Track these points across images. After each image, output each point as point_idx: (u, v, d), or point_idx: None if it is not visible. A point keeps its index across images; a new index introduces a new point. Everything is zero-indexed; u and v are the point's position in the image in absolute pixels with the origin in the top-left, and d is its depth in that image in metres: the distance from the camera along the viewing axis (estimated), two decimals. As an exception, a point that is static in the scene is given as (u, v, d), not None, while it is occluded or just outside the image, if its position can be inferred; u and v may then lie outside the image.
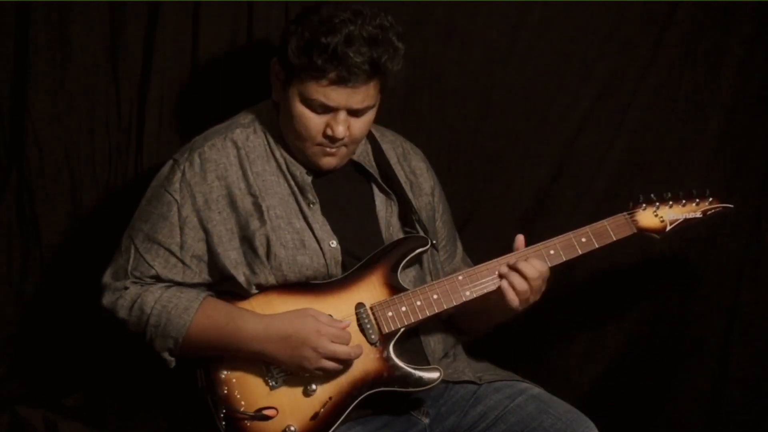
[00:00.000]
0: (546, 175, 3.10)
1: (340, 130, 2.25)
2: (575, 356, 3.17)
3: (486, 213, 3.09)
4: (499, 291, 2.30)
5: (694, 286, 3.11)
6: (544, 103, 3.06)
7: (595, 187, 3.08)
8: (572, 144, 3.08)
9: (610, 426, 2.47)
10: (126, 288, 2.30)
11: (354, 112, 2.26)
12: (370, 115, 2.31)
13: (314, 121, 2.26)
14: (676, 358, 3.13)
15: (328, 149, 2.30)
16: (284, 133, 2.35)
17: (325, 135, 2.27)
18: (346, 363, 2.24)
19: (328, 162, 2.34)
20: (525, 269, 2.29)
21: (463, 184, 3.02)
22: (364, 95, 2.24)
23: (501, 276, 2.31)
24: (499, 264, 2.34)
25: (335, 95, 2.22)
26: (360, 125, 2.30)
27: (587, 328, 3.16)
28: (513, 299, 2.29)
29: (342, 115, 2.25)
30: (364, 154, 2.46)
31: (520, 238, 2.37)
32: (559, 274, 3.01)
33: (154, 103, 2.83)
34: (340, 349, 2.21)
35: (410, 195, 2.49)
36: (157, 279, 2.31)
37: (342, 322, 2.26)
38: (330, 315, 2.28)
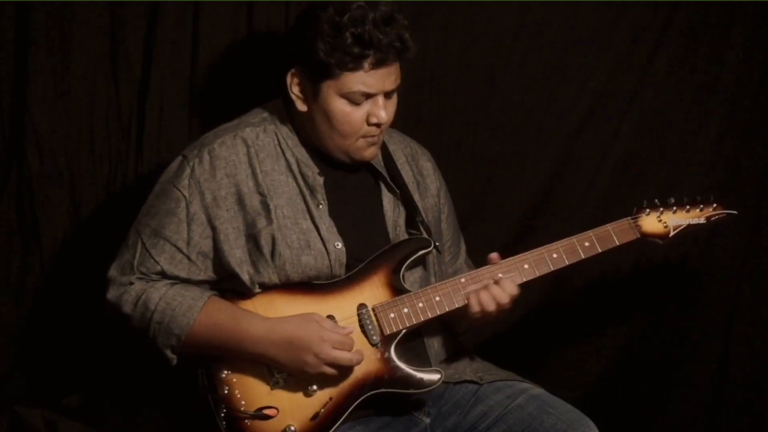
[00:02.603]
0: (546, 175, 3.10)
1: (383, 114, 2.31)
2: (575, 356, 3.17)
3: (486, 213, 3.09)
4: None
5: (694, 287, 3.11)
6: (544, 103, 3.06)
7: (595, 187, 3.08)
8: (572, 144, 3.08)
9: (610, 426, 2.47)
10: (131, 283, 2.30)
11: (387, 94, 2.32)
12: (396, 96, 2.37)
13: (356, 114, 2.30)
14: (676, 358, 3.13)
15: (371, 139, 2.35)
16: (321, 138, 2.35)
17: (369, 124, 2.32)
18: (347, 369, 2.25)
19: (372, 152, 2.38)
20: (496, 294, 2.31)
21: (463, 184, 3.02)
22: (396, 74, 2.31)
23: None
24: (500, 267, 2.35)
25: (373, 81, 2.26)
26: (393, 106, 2.36)
27: (587, 328, 3.16)
28: (474, 304, 2.31)
29: (380, 99, 2.30)
30: None
31: (493, 257, 2.37)
32: (559, 274, 3.03)
33: (154, 103, 2.83)
34: (342, 356, 2.21)
35: (417, 196, 2.50)
36: (163, 275, 2.31)
37: (345, 328, 2.27)
38: (333, 317, 2.28)
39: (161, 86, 2.83)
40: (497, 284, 2.32)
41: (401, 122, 2.81)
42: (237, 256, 2.30)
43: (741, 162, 3.06)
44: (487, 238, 2.99)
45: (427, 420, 2.39)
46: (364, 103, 2.29)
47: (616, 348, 3.15)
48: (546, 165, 3.10)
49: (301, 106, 2.34)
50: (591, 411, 2.38)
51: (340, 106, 2.29)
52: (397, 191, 2.45)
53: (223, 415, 2.23)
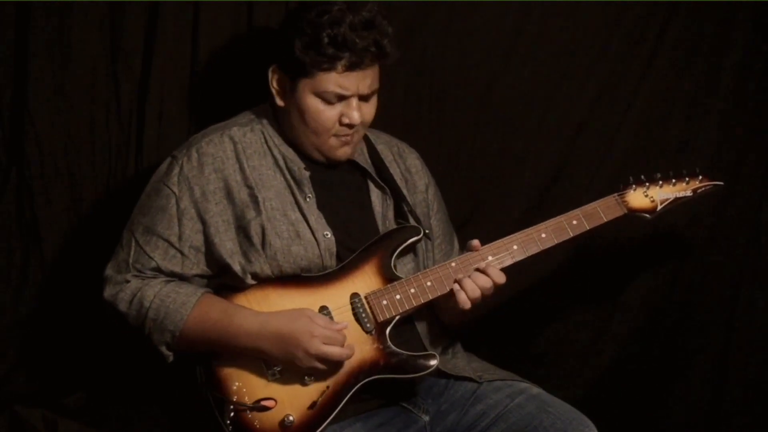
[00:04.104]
0: (546, 175, 3.10)
1: (356, 116, 2.34)
2: (575, 356, 3.16)
3: (486, 213, 3.09)
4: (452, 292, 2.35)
5: (694, 285, 3.10)
6: (544, 103, 3.06)
7: (595, 187, 3.07)
8: (572, 144, 3.08)
9: (610, 426, 2.47)
10: (127, 281, 2.34)
11: (363, 98, 2.36)
12: (375, 99, 2.40)
13: (328, 113, 2.34)
14: (675, 358, 3.13)
15: (344, 138, 2.38)
16: (295, 135, 2.40)
17: (341, 124, 2.35)
18: (339, 362, 2.27)
19: (345, 152, 2.42)
20: (478, 279, 2.33)
21: (463, 184, 3.03)
22: (372, 79, 2.35)
23: (456, 281, 2.34)
24: (490, 249, 2.38)
25: (347, 83, 2.30)
26: (369, 109, 2.39)
27: (587, 328, 3.15)
28: (464, 302, 2.33)
29: (354, 101, 2.34)
30: (359, 153, 2.51)
31: (475, 244, 2.39)
32: (559, 274, 3.03)
33: (154, 103, 2.83)
34: (332, 351, 2.24)
35: (405, 192, 2.54)
36: (158, 271, 2.35)
37: (339, 324, 2.29)
38: (327, 308, 2.31)
39: (161, 86, 2.83)
40: (483, 272, 2.33)
41: (401, 123, 2.82)
42: (228, 247, 2.34)
43: (741, 162, 3.06)
44: (487, 238, 2.99)
45: (426, 418, 2.40)
46: (337, 104, 2.34)
47: (616, 348, 3.14)
48: (546, 165, 3.09)
49: (279, 101, 2.40)
50: (590, 411, 2.38)
51: (313, 103, 2.33)
52: (385, 187, 2.48)
53: (223, 410, 2.24)
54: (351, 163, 2.48)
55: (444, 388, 2.44)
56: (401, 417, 2.38)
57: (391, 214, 2.48)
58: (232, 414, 2.23)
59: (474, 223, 3.04)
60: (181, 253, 2.35)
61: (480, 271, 2.35)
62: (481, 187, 3.09)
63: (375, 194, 2.49)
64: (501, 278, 2.35)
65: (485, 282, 2.33)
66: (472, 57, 3.01)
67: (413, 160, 2.63)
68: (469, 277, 2.33)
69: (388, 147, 2.61)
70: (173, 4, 2.80)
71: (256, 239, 2.33)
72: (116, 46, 2.80)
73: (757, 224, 3.04)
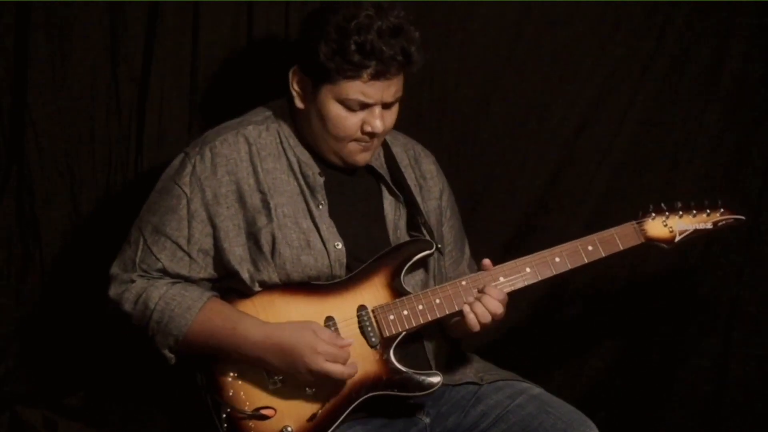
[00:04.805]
0: (546, 175, 3.10)
1: (378, 125, 2.29)
2: (575, 356, 3.17)
3: (486, 213, 3.09)
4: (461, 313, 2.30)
5: (694, 286, 3.11)
6: (544, 104, 3.06)
7: (595, 187, 3.08)
8: (572, 144, 3.08)
9: (610, 426, 2.47)
10: (132, 281, 2.31)
11: (386, 105, 2.31)
12: (397, 106, 2.35)
13: (351, 120, 2.29)
14: (676, 358, 3.13)
15: (364, 144, 2.33)
16: (314, 138, 2.35)
17: (363, 132, 2.30)
18: (339, 381, 2.24)
19: (364, 157, 2.37)
20: (489, 305, 2.28)
21: (463, 184, 3.01)
22: (396, 87, 2.29)
23: (468, 304, 2.30)
24: (503, 270, 2.33)
25: (372, 91, 2.25)
26: (391, 116, 2.34)
27: (587, 328, 3.16)
28: (474, 324, 2.28)
29: (377, 109, 2.29)
30: (376, 157, 2.46)
31: (486, 263, 2.35)
32: (559, 273, 3.02)
33: (154, 103, 2.83)
34: (334, 369, 2.20)
35: (419, 199, 2.49)
36: (164, 272, 2.32)
37: (344, 339, 2.25)
38: (333, 318, 2.28)
39: (161, 86, 2.83)
40: (489, 295, 2.28)
41: (401, 122, 2.80)
42: (237, 254, 2.30)
43: (741, 162, 3.06)
44: (487, 238, 2.99)
45: (427, 420, 2.38)
46: (360, 111, 2.28)
47: (616, 348, 3.15)
48: (546, 165, 3.10)
49: (300, 104, 2.34)
50: (591, 411, 2.38)
51: (335, 110, 2.28)
52: (399, 194, 2.44)
53: (221, 415, 2.23)
54: (366, 168, 2.43)
55: (445, 389, 2.41)
56: (402, 419, 2.35)
57: (403, 223, 2.44)
58: (225, 415, 2.22)
59: (474, 223, 3.04)
60: (189, 256, 2.31)
61: (486, 294, 2.29)
62: (481, 188, 3.09)
63: (388, 201, 2.44)
64: (501, 294, 2.30)
65: (496, 308, 2.27)
66: (472, 57, 3.01)
67: (428, 165, 2.58)
68: (481, 301, 2.28)
69: (405, 150, 2.56)
70: (173, 4, 2.80)
71: (266, 248, 2.29)
72: (116, 46, 2.80)
73: (757, 224, 3.04)
